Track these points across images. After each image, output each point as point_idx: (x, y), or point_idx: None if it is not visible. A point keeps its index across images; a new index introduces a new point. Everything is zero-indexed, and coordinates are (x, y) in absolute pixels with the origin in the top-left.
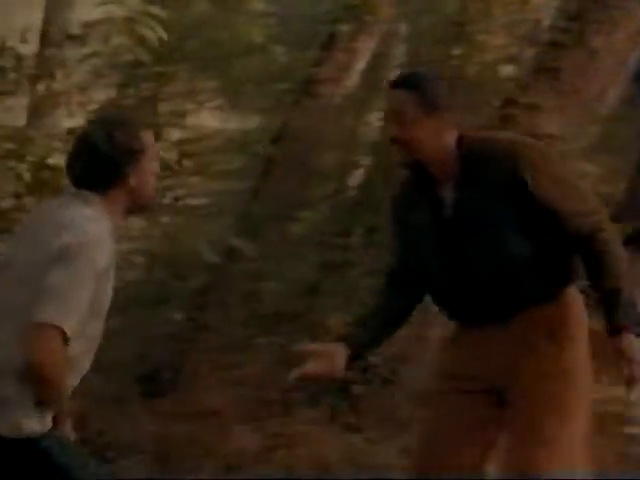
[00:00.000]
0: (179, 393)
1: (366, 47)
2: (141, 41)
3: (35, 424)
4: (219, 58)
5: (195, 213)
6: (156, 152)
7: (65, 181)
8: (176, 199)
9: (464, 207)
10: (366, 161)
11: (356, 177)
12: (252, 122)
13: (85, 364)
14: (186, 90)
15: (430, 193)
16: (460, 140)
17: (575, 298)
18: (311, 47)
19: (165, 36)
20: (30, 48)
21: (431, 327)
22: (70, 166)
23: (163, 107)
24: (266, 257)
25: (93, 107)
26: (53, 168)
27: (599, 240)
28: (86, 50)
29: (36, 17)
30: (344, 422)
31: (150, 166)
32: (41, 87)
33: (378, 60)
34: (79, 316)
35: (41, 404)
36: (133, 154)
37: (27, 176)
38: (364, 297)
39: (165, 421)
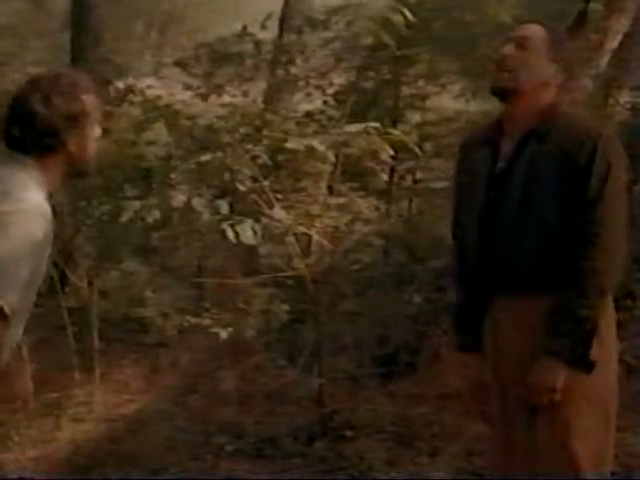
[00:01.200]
0: (418, 375)
1: (618, 25)
2: (385, 24)
3: None
4: (463, 40)
5: (435, 195)
6: (98, 115)
7: (304, 164)
8: (415, 181)
9: (519, 160)
10: None
11: None
12: (494, 104)
13: (14, 341)
14: (428, 73)
15: (493, 145)
16: (551, 106)
17: None
18: (560, 26)
19: (411, 18)
20: (270, 34)
21: None
22: (5, 129)
23: (404, 90)
24: None
25: (332, 90)
26: (290, 151)
27: (589, 253)
28: (327, 34)
29: (278, 3)
30: None
31: (92, 131)
32: (280, 72)
33: (630, 38)
34: (19, 290)
35: None
36: (72, 119)
37: (264, 159)
38: None
39: (404, 402)
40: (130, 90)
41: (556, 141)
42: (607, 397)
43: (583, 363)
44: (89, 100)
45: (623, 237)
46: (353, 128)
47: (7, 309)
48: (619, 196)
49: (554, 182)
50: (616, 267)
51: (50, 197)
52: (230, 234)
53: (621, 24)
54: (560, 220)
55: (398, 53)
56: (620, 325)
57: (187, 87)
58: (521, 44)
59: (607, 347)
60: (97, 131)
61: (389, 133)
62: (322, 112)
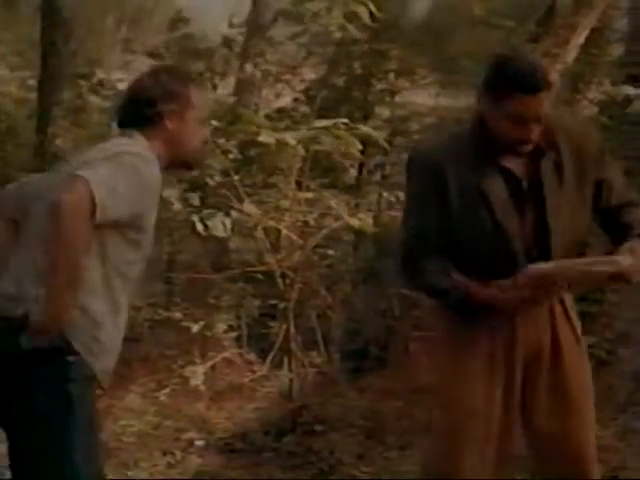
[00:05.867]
0: (387, 369)
1: (586, 21)
2: (353, 18)
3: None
4: (435, 34)
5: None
6: (203, 112)
7: (274, 159)
8: (384, 176)
9: (540, 175)
10: None
11: None
12: (466, 99)
13: (124, 302)
14: (399, 68)
15: (494, 162)
16: None
17: None
18: (529, 21)
19: (377, 12)
20: (239, 28)
21: None
22: (117, 108)
23: (375, 85)
24: None
25: (303, 86)
26: (261, 145)
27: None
28: (296, 29)
29: None
30: None
31: (193, 119)
32: (249, 66)
33: (598, 34)
34: (115, 198)
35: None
36: (172, 95)
37: (235, 153)
38: None
39: (374, 397)
40: (101, 83)
41: (564, 147)
42: None
43: None
44: (195, 92)
45: None
46: (322, 123)
47: (97, 199)
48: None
49: (577, 185)
50: None
51: None
52: (200, 227)
53: (589, 20)
54: (588, 220)
55: (366, 48)
56: (591, 318)
57: None
58: (540, 119)
59: None
60: (199, 127)
61: (357, 129)
62: (293, 108)
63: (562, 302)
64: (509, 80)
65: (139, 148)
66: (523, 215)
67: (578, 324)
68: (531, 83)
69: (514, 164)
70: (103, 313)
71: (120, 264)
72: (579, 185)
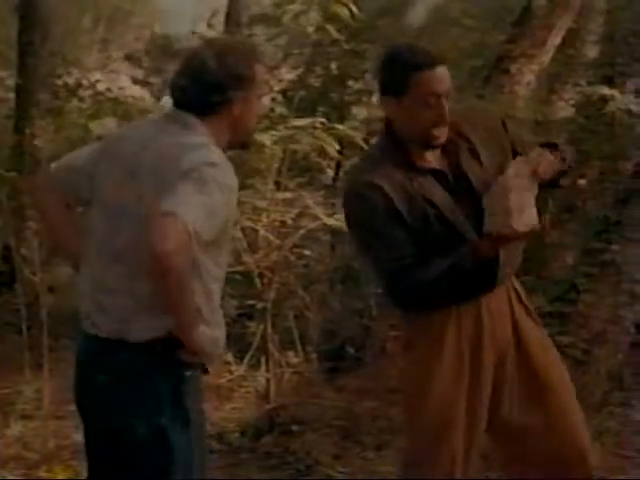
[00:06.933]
0: (364, 369)
1: (562, 21)
2: (333, 18)
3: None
4: (411, 34)
5: None
6: (264, 90)
7: (252, 160)
8: None
9: (462, 166)
10: (561, 139)
11: None
12: None
13: (219, 299)
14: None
15: (418, 167)
16: None
17: None
18: (505, 22)
19: (358, 12)
20: (218, 31)
21: (626, 308)
22: (174, 84)
23: (352, 85)
24: None
25: (280, 86)
26: None
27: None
28: (275, 30)
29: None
30: None
31: (256, 100)
32: None
33: (574, 34)
34: (209, 220)
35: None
36: (241, 80)
37: None
38: None
39: (350, 397)
40: (79, 84)
41: (473, 135)
42: None
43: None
44: (259, 69)
45: None
46: (300, 122)
47: (193, 227)
48: None
49: (500, 163)
50: None
51: None
52: None
53: (565, 20)
54: None
55: (343, 49)
56: (566, 318)
57: (136, 81)
58: (445, 94)
59: None
60: (260, 105)
61: (335, 128)
62: (271, 109)
63: (515, 289)
64: (404, 65)
65: (213, 154)
66: (461, 202)
67: (531, 306)
68: (424, 58)
69: (435, 163)
70: (209, 319)
71: (211, 269)
72: (502, 162)
